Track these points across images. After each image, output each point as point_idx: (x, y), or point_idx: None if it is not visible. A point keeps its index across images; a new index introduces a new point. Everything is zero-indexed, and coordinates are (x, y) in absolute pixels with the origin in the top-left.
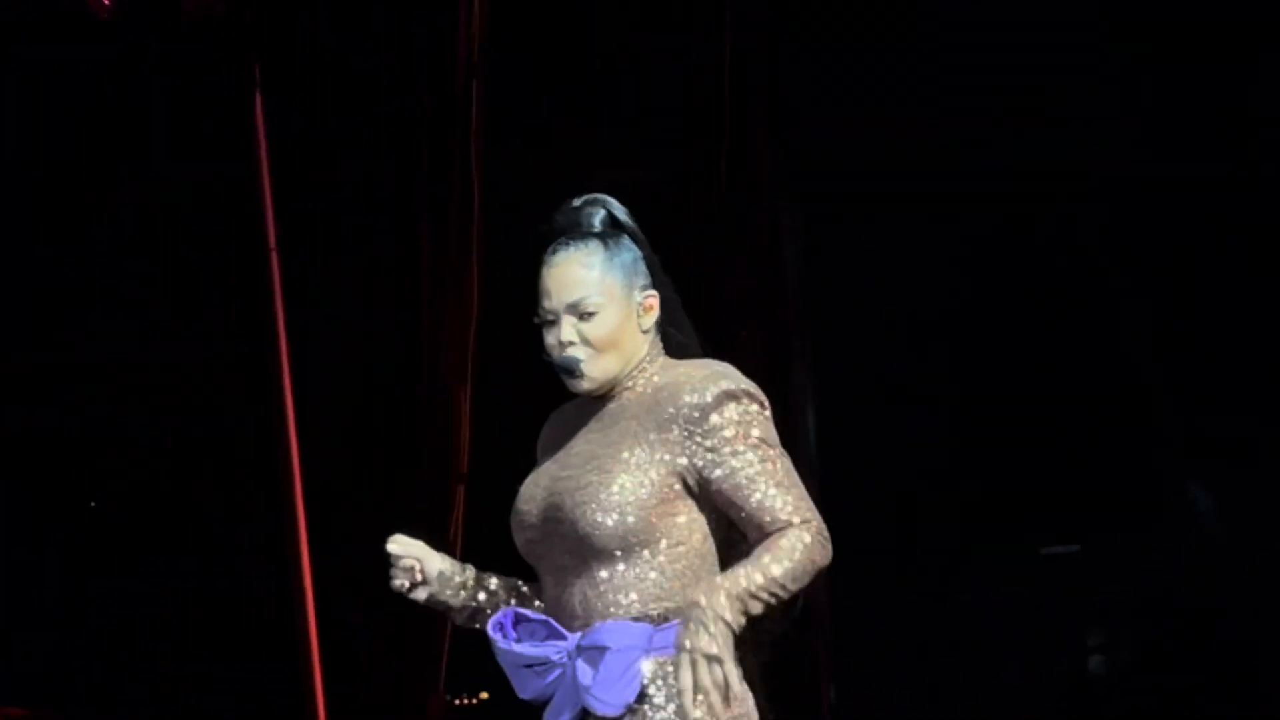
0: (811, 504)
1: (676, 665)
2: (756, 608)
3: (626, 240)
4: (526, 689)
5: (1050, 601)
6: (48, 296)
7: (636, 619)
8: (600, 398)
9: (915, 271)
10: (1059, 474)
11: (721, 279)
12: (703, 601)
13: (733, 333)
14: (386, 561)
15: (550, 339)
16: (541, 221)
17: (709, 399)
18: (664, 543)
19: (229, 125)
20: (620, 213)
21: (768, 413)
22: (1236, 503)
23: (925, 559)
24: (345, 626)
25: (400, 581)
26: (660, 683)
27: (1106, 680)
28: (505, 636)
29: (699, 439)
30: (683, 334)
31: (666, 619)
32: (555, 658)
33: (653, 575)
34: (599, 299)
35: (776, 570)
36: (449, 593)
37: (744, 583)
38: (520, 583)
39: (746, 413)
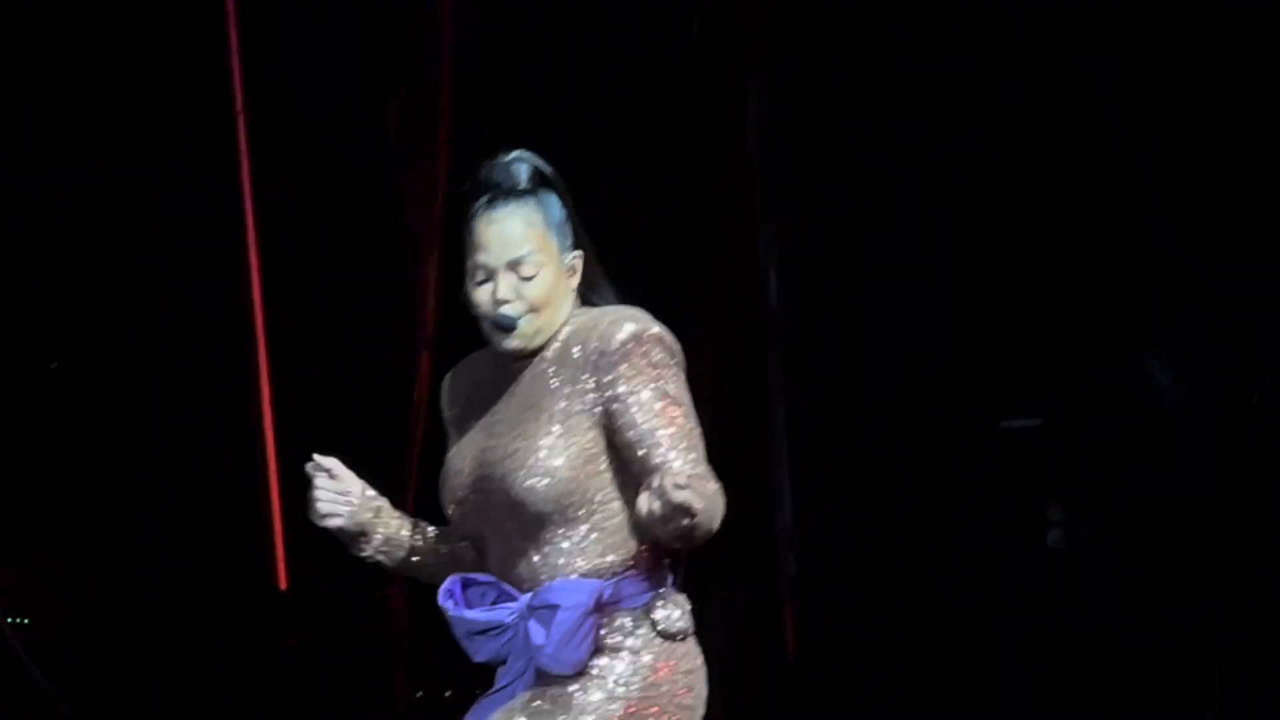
0: (709, 468)
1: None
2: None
3: (555, 198)
4: (480, 653)
5: (1011, 474)
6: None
7: (585, 575)
8: (514, 359)
9: (885, 144)
10: (1021, 346)
11: (690, 145)
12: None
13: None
14: (356, 451)
15: (482, 294)
16: (467, 179)
17: (614, 345)
18: (598, 499)
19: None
20: (546, 168)
21: (677, 360)
22: (1195, 374)
23: (885, 431)
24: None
25: (324, 504)
26: (614, 638)
27: (1067, 552)
28: (456, 603)
29: (606, 386)
30: (598, 294)
31: (615, 573)
32: (508, 620)
33: (593, 535)
34: (540, 257)
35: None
36: (368, 514)
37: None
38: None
39: (651, 362)
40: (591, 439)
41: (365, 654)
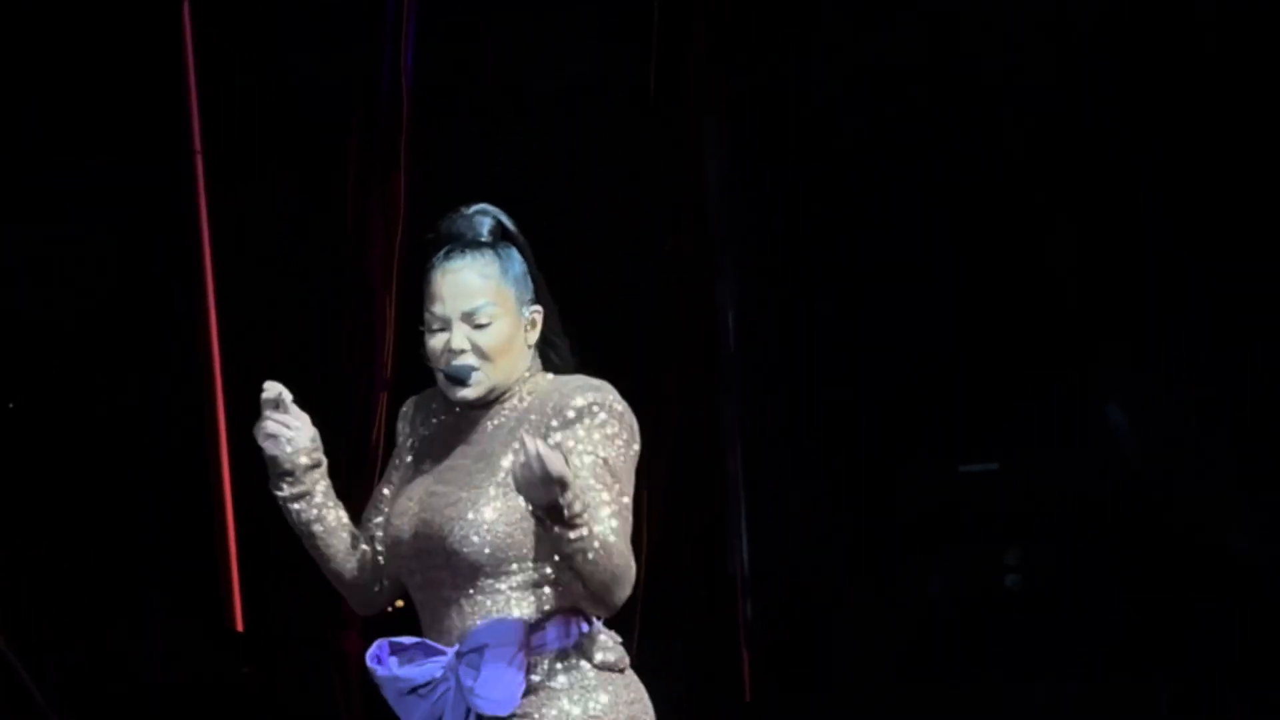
0: (629, 547)
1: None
2: (570, 533)
3: (515, 252)
4: (414, 715)
5: (970, 518)
6: None
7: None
8: (475, 408)
9: (843, 188)
10: (980, 390)
11: (647, 191)
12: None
13: (659, 244)
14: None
15: (436, 344)
16: (426, 225)
17: (575, 407)
18: (534, 555)
19: (156, 29)
20: (509, 223)
21: (629, 438)
22: (1152, 421)
23: (847, 474)
24: (264, 530)
25: (273, 424)
26: (549, 677)
27: (1023, 596)
28: (384, 666)
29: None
30: (557, 354)
31: (544, 623)
32: (439, 674)
33: (526, 588)
34: (494, 309)
35: (616, 537)
36: (305, 460)
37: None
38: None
39: (605, 434)
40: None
41: (319, 695)
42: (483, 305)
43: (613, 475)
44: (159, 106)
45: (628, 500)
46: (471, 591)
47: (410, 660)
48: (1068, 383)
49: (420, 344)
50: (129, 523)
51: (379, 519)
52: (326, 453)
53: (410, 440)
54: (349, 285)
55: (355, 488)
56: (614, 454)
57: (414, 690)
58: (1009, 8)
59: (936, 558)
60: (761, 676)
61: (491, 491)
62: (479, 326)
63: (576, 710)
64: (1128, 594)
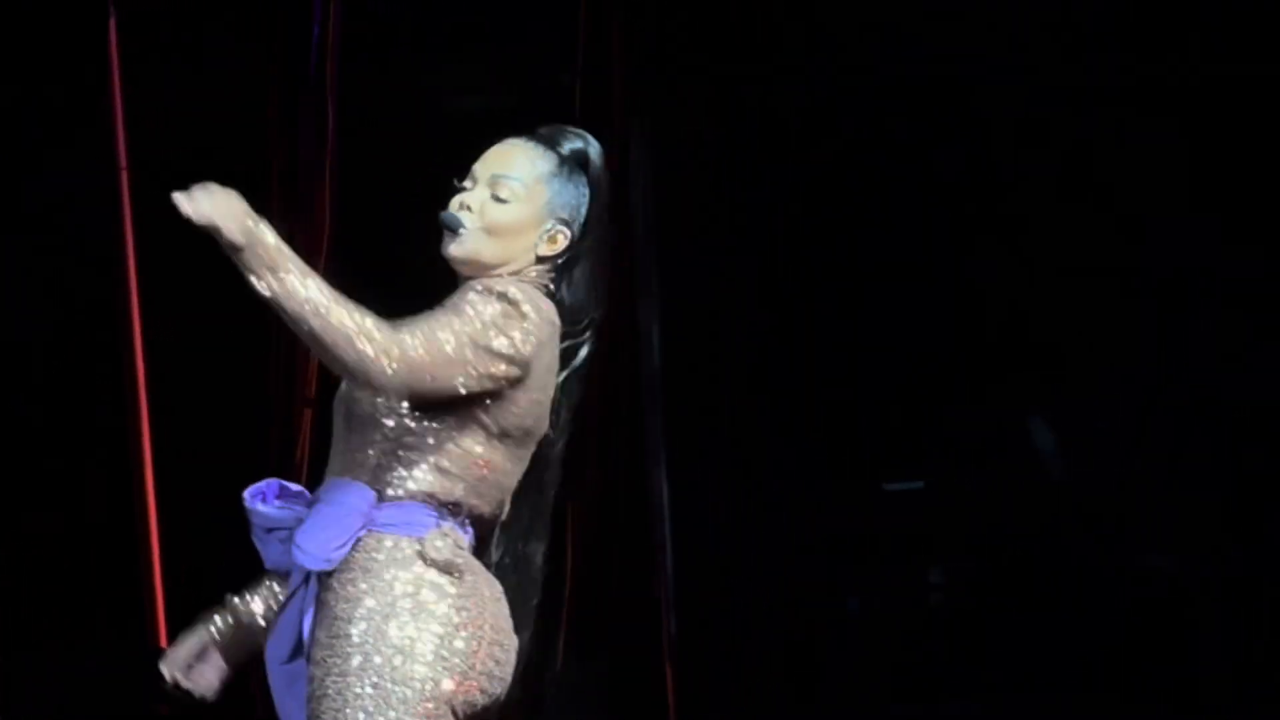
0: (432, 351)
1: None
2: (278, 283)
3: (582, 180)
4: (269, 556)
5: (895, 536)
6: None
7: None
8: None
9: (768, 196)
10: (905, 411)
11: None
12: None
13: None
14: (235, 509)
15: (456, 196)
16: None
17: (470, 287)
18: (420, 424)
19: (81, 42)
20: (596, 159)
21: (504, 308)
22: (1077, 440)
23: (772, 492)
24: (188, 548)
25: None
26: (375, 557)
27: (947, 615)
28: (263, 501)
29: None
30: (575, 294)
31: (399, 499)
32: (292, 523)
33: (395, 467)
34: (521, 190)
35: (328, 303)
36: (233, 638)
37: (295, 265)
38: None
39: (484, 299)
40: None
41: (244, 712)
42: (513, 178)
43: (466, 316)
44: (84, 123)
45: (447, 335)
46: (353, 447)
47: (289, 504)
48: (993, 400)
49: None
50: (51, 541)
51: None
52: (253, 474)
53: None
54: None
55: None
56: (484, 308)
57: (271, 530)
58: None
59: (861, 575)
60: (685, 693)
61: None
62: (498, 199)
63: (373, 597)
64: (1050, 612)
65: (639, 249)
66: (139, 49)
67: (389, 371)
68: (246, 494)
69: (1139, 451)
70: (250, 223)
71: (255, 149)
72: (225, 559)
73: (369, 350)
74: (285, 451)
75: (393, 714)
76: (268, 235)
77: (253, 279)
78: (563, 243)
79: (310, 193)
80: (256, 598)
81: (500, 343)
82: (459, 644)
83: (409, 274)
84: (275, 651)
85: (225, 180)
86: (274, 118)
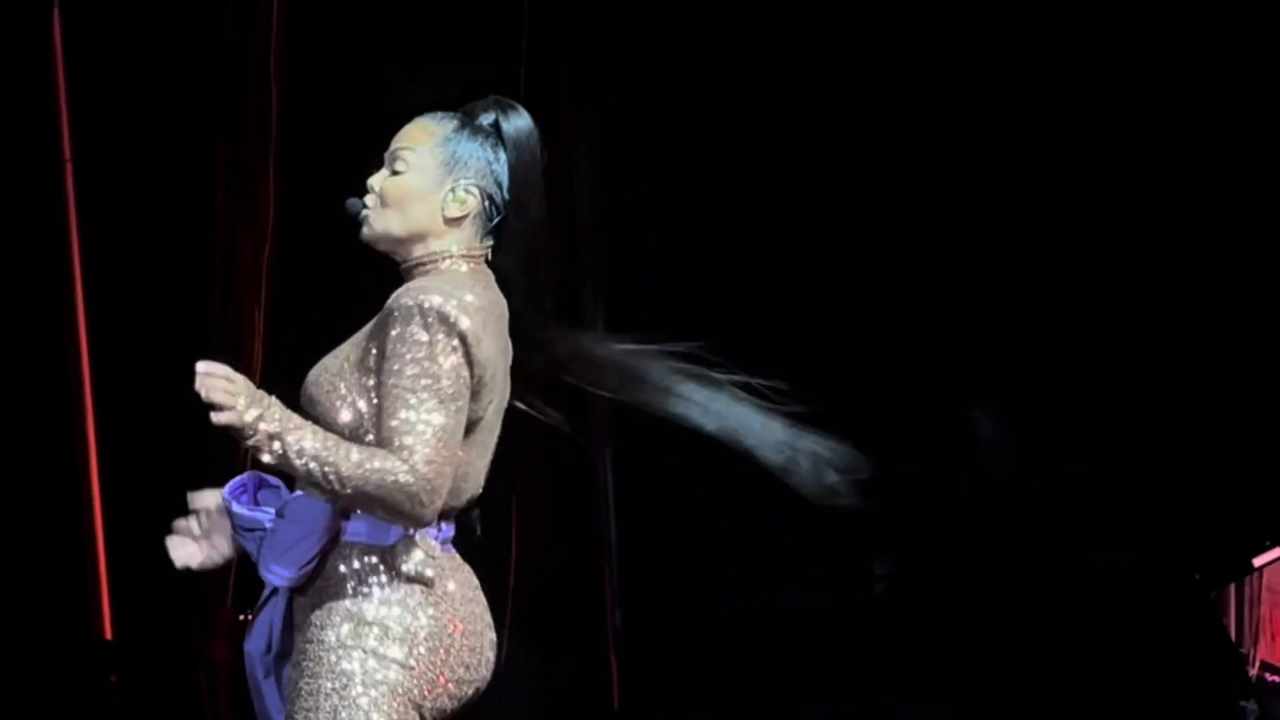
0: (441, 465)
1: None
2: (299, 465)
3: (494, 144)
4: (248, 547)
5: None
6: None
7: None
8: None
9: (714, 188)
10: (848, 397)
11: None
12: (258, 408)
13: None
14: (181, 501)
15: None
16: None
17: (399, 309)
18: (369, 436)
19: (26, 37)
20: (511, 121)
21: (455, 344)
22: (1017, 434)
23: (715, 483)
24: (133, 539)
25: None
26: (339, 567)
27: (893, 606)
28: (238, 499)
29: (381, 349)
30: (516, 267)
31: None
32: (268, 525)
33: None
34: (412, 158)
35: (348, 462)
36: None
37: (310, 438)
38: None
39: (432, 339)
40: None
41: (186, 703)
42: (406, 148)
43: (434, 379)
44: (29, 115)
45: (445, 414)
46: None
47: (265, 499)
48: (934, 393)
49: None
50: None
51: None
52: (197, 464)
53: None
54: (218, 295)
55: None
56: (438, 358)
57: (250, 529)
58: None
59: (805, 568)
60: (629, 684)
61: (363, 366)
62: (395, 172)
63: (341, 609)
64: (988, 608)
65: (584, 240)
66: (83, 38)
67: (425, 501)
68: (226, 491)
69: (1081, 447)
70: (250, 412)
71: (200, 138)
72: (162, 552)
73: (411, 500)
74: (229, 443)
75: (360, 716)
76: (269, 415)
77: (262, 453)
78: (473, 203)
79: (255, 182)
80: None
81: (464, 377)
82: (424, 651)
83: (352, 263)
84: (253, 646)
85: (170, 167)
86: (218, 106)
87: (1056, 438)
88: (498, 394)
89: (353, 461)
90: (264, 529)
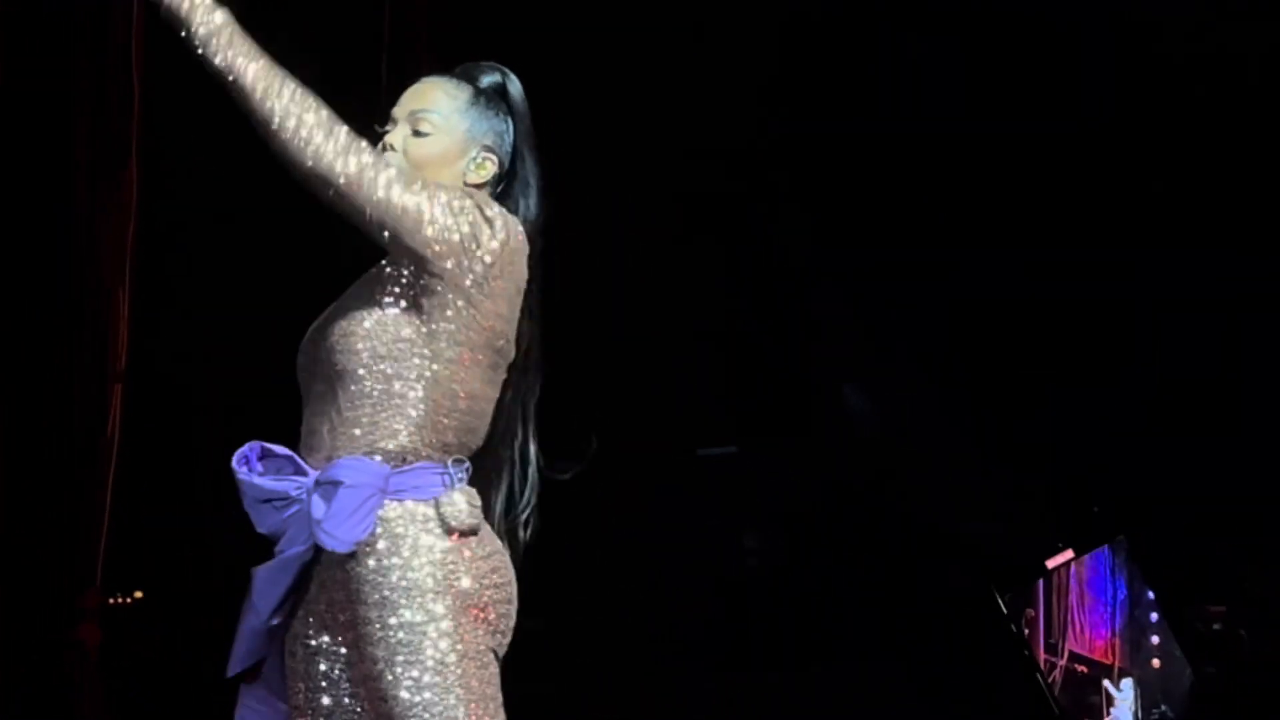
0: (380, 168)
1: None
2: (219, 56)
3: (500, 111)
4: (264, 523)
5: (707, 502)
6: None
7: (374, 454)
8: None
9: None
10: (718, 377)
11: None
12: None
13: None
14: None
15: (380, 143)
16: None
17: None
18: (402, 376)
19: None
20: (516, 92)
21: (482, 219)
22: (889, 405)
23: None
24: None
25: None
26: (398, 528)
27: (761, 580)
28: (249, 469)
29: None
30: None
31: (405, 460)
32: (294, 493)
33: (392, 415)
34: (440, 122)
35: (277, 85)
36: None
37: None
38: None
39: (463, 207)
40: (405, 318)
41: (56, 686)
42: (431, 111)
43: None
44: None
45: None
46: (340, 408)
47: (277, 470)
48: (807, 366)
49: None
50: None
51: None
52: (62, 450)
53: None
54: (81, 280)
55: (87, 479)
56: (461, 208)
57: (268, 500)
58: None
59: (676, 540)
60: (504, 667)
61: (379, 302)
62: (419, 133)
63: (400, 566)
64: (861, 578)
65: None
66: None
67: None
68: (234, 462)
69: (952, 418)
70: None
71: (60, 121)
72: (29, 535)
73: (335, 152)
74: (95, 428)
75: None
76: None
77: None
78: (491, 169)
79: (115, 165)
80: None
81: (471, 212)
82: (489, 598)
83: (217, 243)
84: (262, 604)
85: (26, 156)
86: (79, 90)
87: (927, 408)
88: (505, 331)
89: (279, 87)
90: (287, 497)
